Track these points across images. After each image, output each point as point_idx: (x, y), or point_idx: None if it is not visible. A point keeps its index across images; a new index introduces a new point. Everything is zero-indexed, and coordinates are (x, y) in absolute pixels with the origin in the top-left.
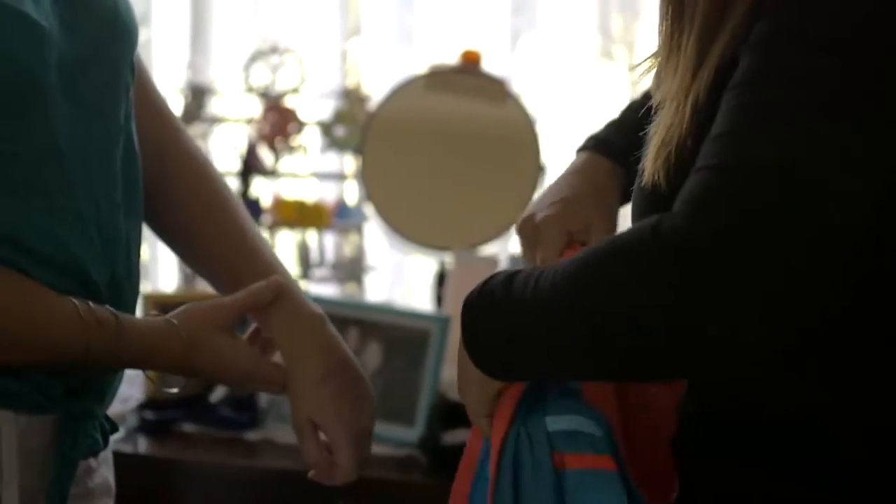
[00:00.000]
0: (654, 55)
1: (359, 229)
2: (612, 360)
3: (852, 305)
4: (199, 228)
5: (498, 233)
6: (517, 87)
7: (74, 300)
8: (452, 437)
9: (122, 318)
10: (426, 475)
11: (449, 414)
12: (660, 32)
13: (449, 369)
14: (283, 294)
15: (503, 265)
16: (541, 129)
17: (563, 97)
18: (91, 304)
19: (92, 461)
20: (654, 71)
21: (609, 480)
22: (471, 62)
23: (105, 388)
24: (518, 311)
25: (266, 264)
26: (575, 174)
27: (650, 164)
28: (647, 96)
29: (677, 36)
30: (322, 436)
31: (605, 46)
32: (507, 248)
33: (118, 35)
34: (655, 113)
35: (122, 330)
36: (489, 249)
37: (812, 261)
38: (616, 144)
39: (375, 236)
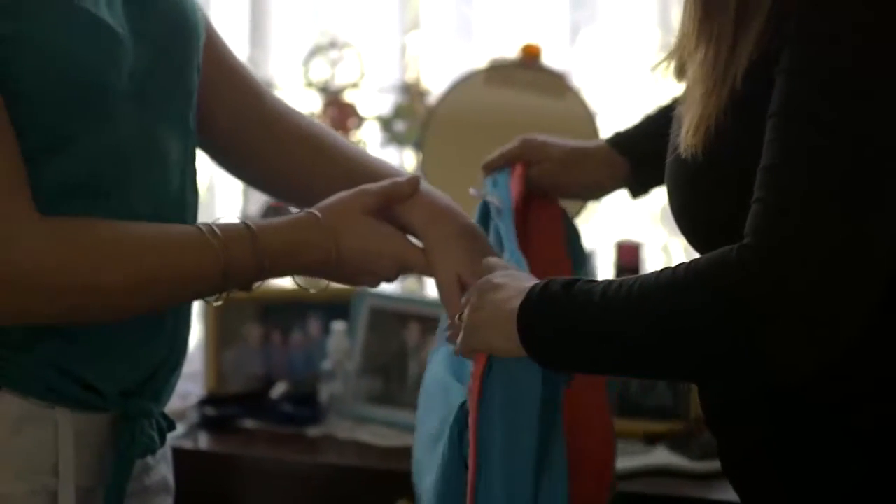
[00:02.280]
0: (673, 51)
1: None
2: (668, 371)
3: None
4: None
5: None
6: (577, 81)
7: (199, 225)
8: None
9: (254, 225)
10: None
11: None
12: (688, 23)
13: None
14: (420, 188)
15: None
16: (601, 124)
17: (623, 91)
18: (217, 223)
19: (150, 459)
20: (672, 64)
21: None
22: (531, 56)
23: (161, 386)
24: (582, 312)
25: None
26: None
27: (689, 138)
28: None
29: (707, 26)
30: None
31: (665, 40)
32: None
33: (186, 39)
34: (684, 95)
35: (255, 237)
36: None
37: (858, 286)
38: (627, 139)
39: None
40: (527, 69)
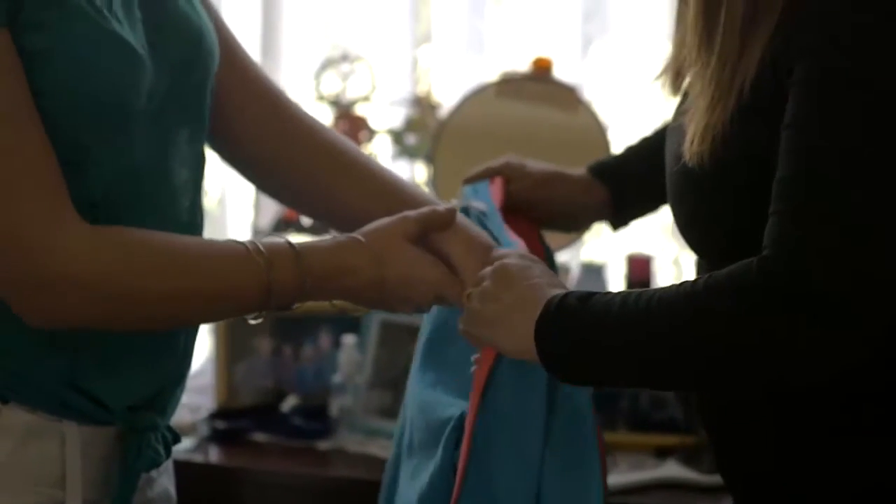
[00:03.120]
0: (670, 64)
1: None
2: (687, 383)
3: None
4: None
5: (569, 241)
6: (589, 94)
7: (243, 241)
8: None
9: (298, 246)
10: None
11: None
12: (691, 35)
13: None
14: (459, 219)
15: (574, 273)
16: (612, 137)
17: (634, 104)
18: (262, 240)
19: (153, 471)
20: (667, 76)
21: None
22: (542, 69)
23: (167, 400)
24: (600, 325)
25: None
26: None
27: (695, 147)
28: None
29: (711, 37)
30: None
31: None
32: (578, 256)
33: (203, 64)
34: (683, 104)
35: (299, 256)
36: (560, 257)
37: (879, 290)
38: (607, 166)
39: None
40: (538, 82)
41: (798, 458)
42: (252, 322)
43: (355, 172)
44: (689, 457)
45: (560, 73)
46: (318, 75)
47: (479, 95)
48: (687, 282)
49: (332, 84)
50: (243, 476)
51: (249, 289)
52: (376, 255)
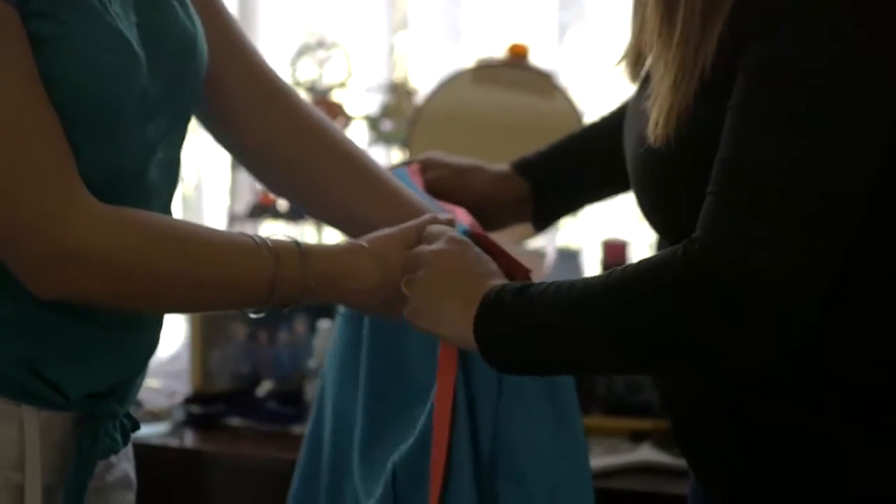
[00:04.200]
0: (630, 49)
1: None
2: (625, 365)
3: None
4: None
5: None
6: (564, 80)
7: (250, 235)
8: None
9: (304, 246)
10: None
11: None
12: (651, 18)
13: None
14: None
15: (550, 258)
16: (588, 123)
17: (609, 91)
18: (269, 237)
19: (112, 457)
20: (627, 61)
21: None
22: (518, 56)
23: (128, 389)
24: (534, 318)
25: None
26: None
27: (660, 129)
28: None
29: (671, 19)
30: None
31: None
32: (554, 241)
33: (193, 73)
34: (644, 87)
35: (306, 257)
36: (536, 243)
37: (805, 280)
38: (529, 162)
39: None
40: (514, 68)
41: (755, 437)
42: (253, 316)
43: (355, 172)
44: (663, 441)
45: (536, 59)
46: (294, 62)
47: (455, 82)
48: (616, 269)
49: (309, 70)
50: (218, 460)
51: (254, 282)
52: (379, 261)
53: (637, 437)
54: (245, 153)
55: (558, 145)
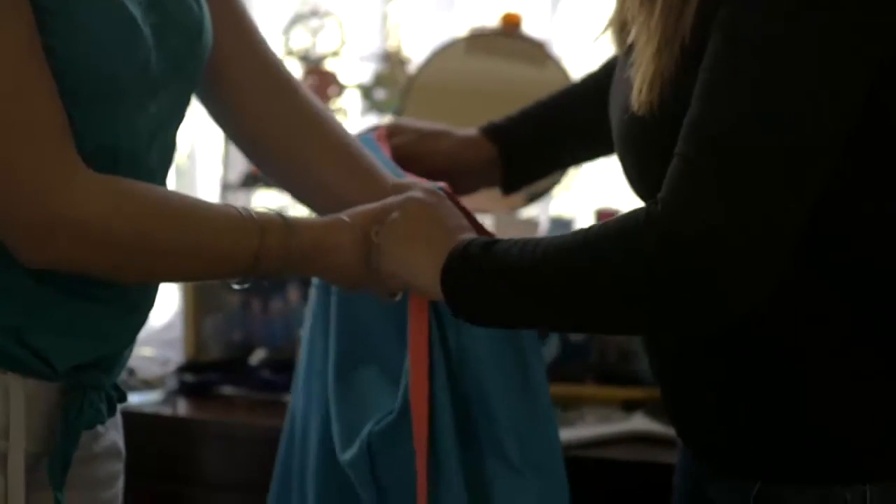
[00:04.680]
0: (613, 18)
1: None
2: (585, 321)
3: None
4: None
5: (538, 195)
6: (557, 49)
7: (238, 207)
8: None
9: (289, 219)
10: None
11: None
12: None
13: None
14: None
15: (543, 228)
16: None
17: (602, 60)
18: (254, 209)
19: (99, 427)
20: (612, 29)
21: None
22: (511, 25)
23: (115, 360)
24: (499, 272)
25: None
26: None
27: (644, 96)
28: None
29: None
30: None
31: None
32: (547, 210)
33: (197, 56)
34: (629, 54)
35: (290, 229)
36: (529, 212)
37: (766, 235)
38: (498, 126)
39: None
40: (507, 38)
41: (740, 401)
42: (236, 287)
43: (347, 163)
44: (656, 410)
45: (529, 28)
46: (287, 30)
47: (448, 51)
48: (583, 228)
49: (302, 39)
50: (211, 429)
51: (240, 252)
52: (358, 236)
53: (629, 407)
54: (240, 136)
55: (528, 110)
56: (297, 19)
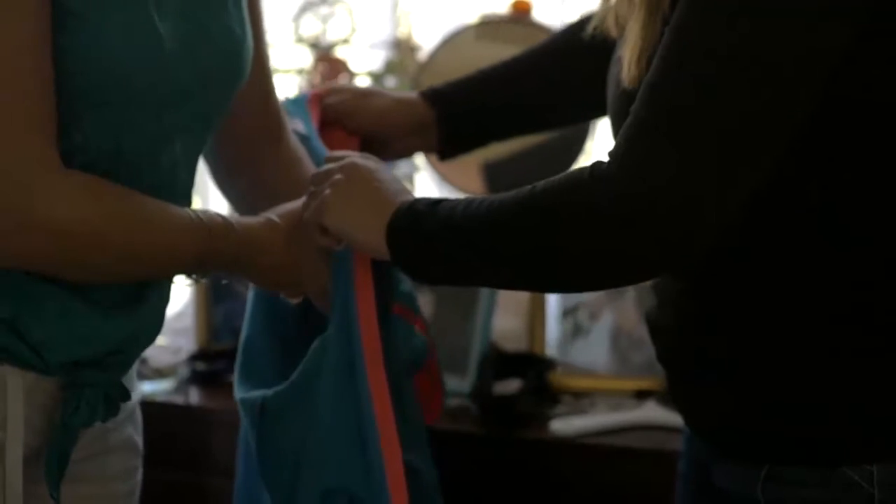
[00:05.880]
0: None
1: (410, 179)
2: (530, 277)
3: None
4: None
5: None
6: None
7: (188, 209)
8: (504, 387)
9: (229, 220)
10: (478, 425)
11: (500, 364)
12: None
13: (500, 319)
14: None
15: None
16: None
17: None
18: (201, 210)
19: (109, 422)
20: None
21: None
22: (521, 12)
23: (114, 361)
24: (446, 228)
25: None
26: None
27: (632, 70)
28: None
29: None
30: None
31: None
32: None
33: (231, 72)
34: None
35: (231, 230)
36: None
37: (712, 202)
38: (438, 91)
39: (426, 187)
40: (517, 24)
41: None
42: (186, 286)
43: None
44: (667, 399)
45: (539, 15)
46: (297, 18)
47: (458, 38)
48: (528, 186)
49: (312, 26)
50: (223, 417)
51: (188, 254)
52: (289, 235)
53: (641, 395)
54: (217, 160)
55: (471, 78)
56: (308, 7)
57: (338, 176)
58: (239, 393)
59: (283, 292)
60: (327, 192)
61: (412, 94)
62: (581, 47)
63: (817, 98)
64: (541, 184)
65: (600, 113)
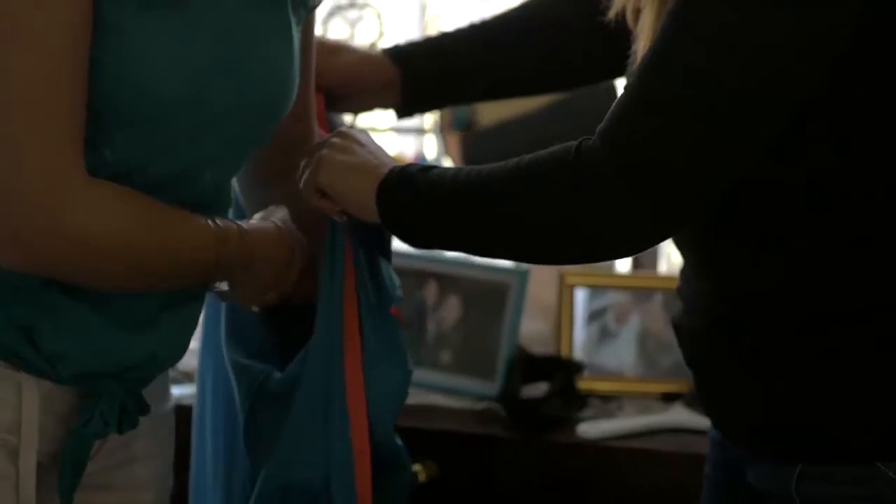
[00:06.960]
0: None
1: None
2: (511, 245)
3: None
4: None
5: None
6: None
7: (203, 217)
8: (531, 390)
9: (242, 226)
10: (505, 428)
11: (528, 367)
12: None
13: (528, 322)
14: None
15: None
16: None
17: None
18: (216, 218)
19: (131, 433)
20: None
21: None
22: None
23: (131, 373)
24: (435, 193)
25: None
26: None
27: None
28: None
29: None
30: None
31: None
32: None
33: (272, 94)
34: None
35: (244, 237)
36: None
37: (683, 172)
38: (405, 49)
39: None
40: None
41: (772, 379)
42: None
43: None
44: (695, 401)
45: None
46: (325, 22)
47: None
48: (517, 158)
49: (340, 30)
50: None
51: (209, 260)
52: (289, 237)
53: (668, 398)
54: (245, 170)
55: (437, 38)
56: (336, 10)
57: (335, 139)
58: (232, 355)
59: (265, 297)
60: (324, 151)
61: (377, 52)
62: (555, 17)
63: (811, 85)
64: (529, 155)
65: (567, 84)
